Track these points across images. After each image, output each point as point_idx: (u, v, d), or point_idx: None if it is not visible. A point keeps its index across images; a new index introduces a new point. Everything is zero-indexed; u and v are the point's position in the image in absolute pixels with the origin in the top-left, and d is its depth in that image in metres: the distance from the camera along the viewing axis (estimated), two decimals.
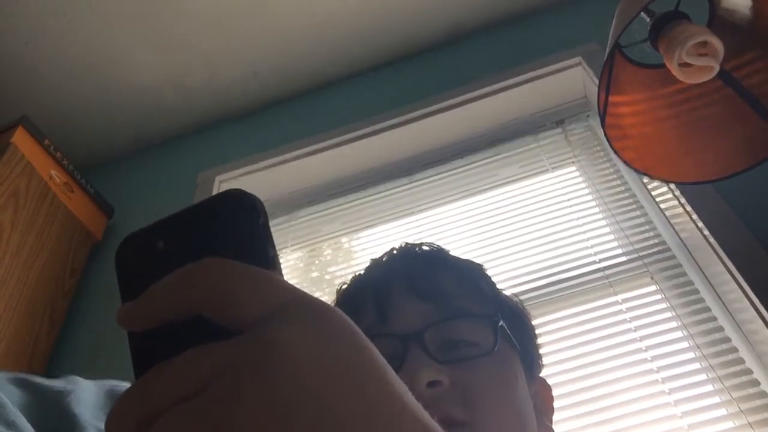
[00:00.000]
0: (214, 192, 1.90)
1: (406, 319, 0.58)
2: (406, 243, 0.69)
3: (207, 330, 0.25)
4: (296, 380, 0.23)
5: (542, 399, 0.64)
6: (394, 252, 0.68)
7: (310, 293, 0.28)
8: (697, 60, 0.87)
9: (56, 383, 0.44)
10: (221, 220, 0.29)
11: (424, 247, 0.68)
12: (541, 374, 0.67)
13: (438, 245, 0.69)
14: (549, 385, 0.67)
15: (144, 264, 0.28)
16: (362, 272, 0.68)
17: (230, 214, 0.29)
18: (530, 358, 0.63)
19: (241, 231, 0.28)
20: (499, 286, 0.67)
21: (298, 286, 0.28)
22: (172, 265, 0.27)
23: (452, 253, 0.69)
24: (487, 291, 0.64)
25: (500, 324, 0.59)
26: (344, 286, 0.68)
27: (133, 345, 0.27)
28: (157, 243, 0.29)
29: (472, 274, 0.65)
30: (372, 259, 0.69)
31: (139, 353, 0.27)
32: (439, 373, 0.53)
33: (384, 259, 0.68)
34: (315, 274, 1.80)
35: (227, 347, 0.24)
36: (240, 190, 0.29)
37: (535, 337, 0.67)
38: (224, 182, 1.96)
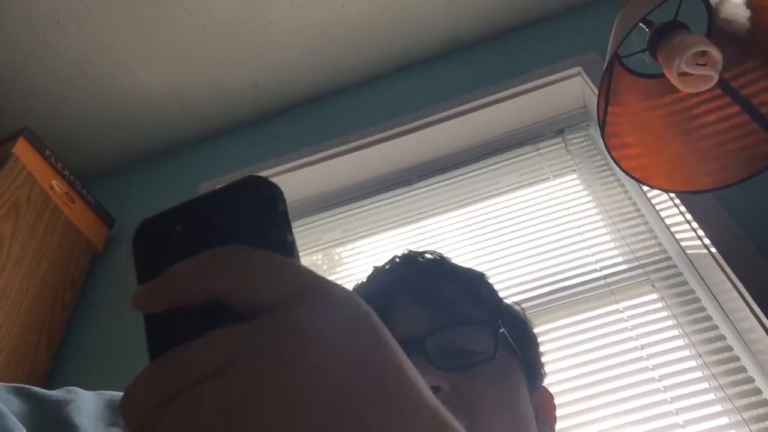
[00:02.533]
0: None
1: (408, 326, 0.58)
2: (409, 251, 0.70)
3: (223, 314, 0.25)
4: (314, 367, 0.24)
5: (544, 408, 0.64)
6: (396, 260, 0.69)
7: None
8: (696, 70, 0.87)
9: (56, 393, 0.43)
10: (240, 206, 0.29)
11: (427, 255, 0.68)
12: (543, 383, 0.67)
13: (440, 253, 0.69)
14: (551, 394, 0.67)
15: (161, 247, 0.28)
16: (364, 280, 0.69)
17: (249, 201, 0.29)
18: (532, 367, 0.63)
19: (260, 217, 0.28)
20: (500, 295, 0.68)
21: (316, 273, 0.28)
22: (190, 249, 0.27)
23: (454, 261, 0.69)
24: (489, 299, 0.65)
25: (501, 331, 0.59)
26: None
27: (150, 327, 0.27)
28: (174, 227, 0.29)
29: (473, 282, 0.66)
30: (374, 267, 0.70)
31: (155, 335, 0.27)
32: (440, 380, 0.53)
33: (386, 267, 0.69)
34: None
35: (248, 331, 0.25)
36: (259, 177, 0.29)
37: (537, 345, 0.67)
38: None
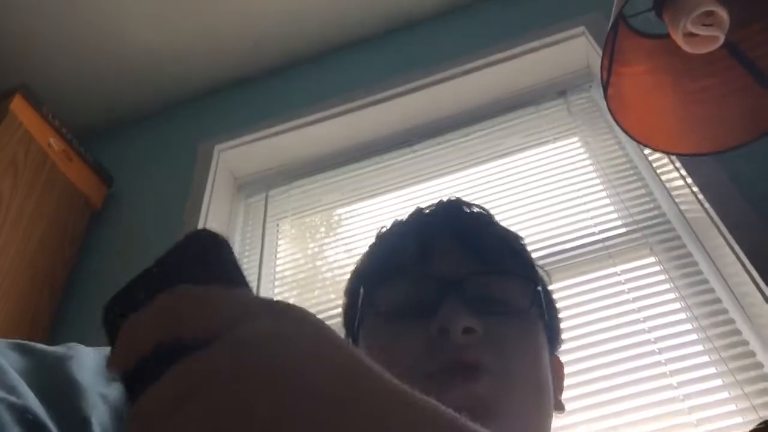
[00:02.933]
0: (213, 161, 1.90)
1: (448, 265, 0.59)
2: (456, 197, 0.70)
3: (188, 352, 0.26)
4: (271, 365, 0.24)
5: (556, 374, 0.65)
6: (443, 202, 0.69)
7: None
8: (702, 30, 0.86)
9: (56, 349, 0.44)
10: (190, 259, 0.31)
11: (473, 206, 0.68)
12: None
13: (485, 208, 0.69)
14: (562, 363, 0.68)
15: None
16: (405, 218, 0.69)
17: (198, 253, 0.31)
18: (553, 332, 0.65)
19: (209, 265, 0.31)
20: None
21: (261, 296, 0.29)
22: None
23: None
24: (527, 259, 0.66)
25: (538, 288, 0.60)
26: (384, 229, 0.69)
27: (126, 385, 0.28)
28: (138, 296, 0.30)
29: (515, 240, 0.66)
30: (417, 207, 0.70)
31: (131, 391, 0.28)
32: (475, 321, 0.53)
33: (431, 208, 0.69)
34: (312, 245, 1.80)
35: (197, 358, 0.25)
36: (203, 230, 0.32)
37: (558, 312, 0.68)
38: (223, 151, 1.95)
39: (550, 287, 0.68)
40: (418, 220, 0.67)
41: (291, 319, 0.27)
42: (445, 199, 0.70)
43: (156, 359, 0.27)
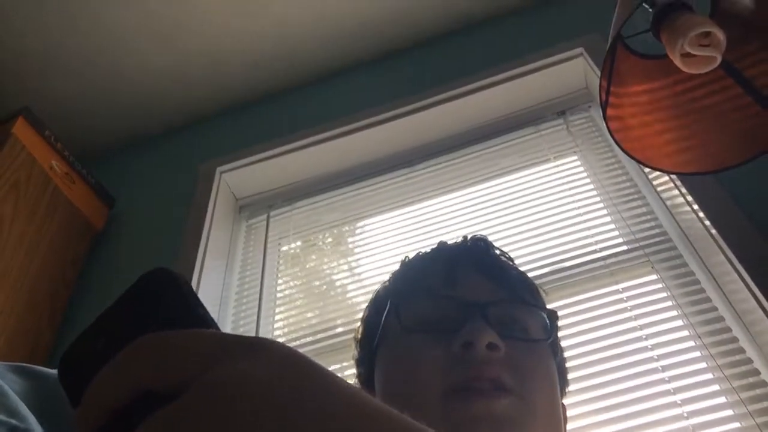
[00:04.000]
0: (214, 182, 1.90)
1: (473, 290, 0.62)
2: (481, 235, 0.74)
3: (161, 402, 0.25)
4: (248, 412, 0.23)
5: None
6: (467, 238, 0.73)
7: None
8: (699, 51, 0.86)
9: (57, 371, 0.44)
10: (147, 300, 0.30)
11: (497, 248, 0.73)
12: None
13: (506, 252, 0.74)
14: (565, 408, 0.69)
15: (88, 369, 0.28)
16: (429, 250, 0.73)
17: (153, 292, 0.30)
18: (563, 374, 0.67)
19: (166, 304, 0.30)
20: None
21: (238, 326, 0.28)
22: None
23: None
24: (543, 301, 0.70)
25: (557, 321, 0.63)
26: (409, 257, 0.73)
27: None
28: (96, 344, 0.29)
29: (533, 283, 0.71)
30: (441, 241, 0.74)
31: None
32: (499, 340, 0.56)
33: (455, 241, 0.73)
34: (312, 264, 1.80)
35: (170, 409, 0.24)
36: (156, 269, 0.31)
37: (566, 361, 0.72)
38: (225, 173, 1.96)
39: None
40: (445, 250, 0.71)
41: (267, 358, 0.26)
42: (469, 236, 0.74)
43: (128, 413, 0.26)
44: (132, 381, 0.26)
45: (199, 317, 0.30)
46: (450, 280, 0.63)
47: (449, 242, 0.73)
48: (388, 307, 0.65)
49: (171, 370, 0.25)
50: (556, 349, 0.65)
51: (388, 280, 0.72)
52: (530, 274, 1.43)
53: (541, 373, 0.59)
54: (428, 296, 0.63)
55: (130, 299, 0.30)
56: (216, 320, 0.31)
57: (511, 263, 0.71)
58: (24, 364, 0.43)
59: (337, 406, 0.24)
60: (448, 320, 0.59)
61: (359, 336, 0.70)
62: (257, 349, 0.26)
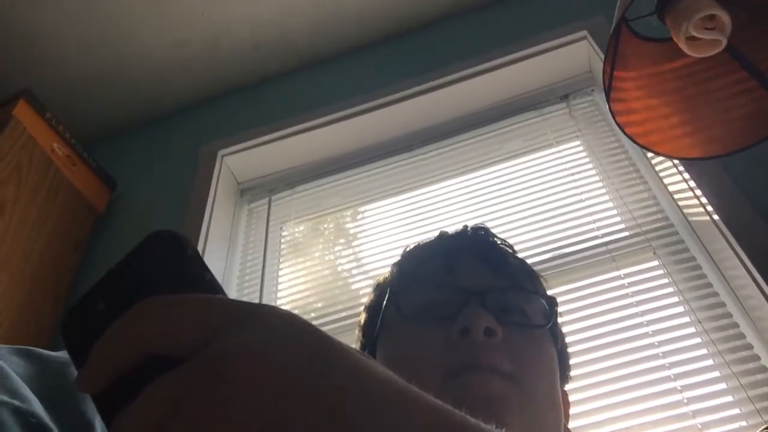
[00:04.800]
0: (216, 166, 1.90)
1: (472, 279, 0.62)
2: (481, 225, 0.74)
3: (165, 367, 0.25)
4: (255, 383, 0.23)
5: (564, 404, 0.67)
6: (468, 227, 0.73)
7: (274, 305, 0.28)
8: (704, 34, 0.86)
9: (60, 354, 0.44)
10: (152, 263, 0.29)
11: (497, 237, 0.73)
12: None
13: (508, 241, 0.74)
14: (568, 399, 0.70)
15: (91, 330, 0.28)
16: (431, 239, 0.73)
17: (158, 255, 0.29)
18: (563, 363, 0.67)
19: (172, 267, 0.29)
20: None
21: (241, 299, 0.28)
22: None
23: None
24: (543, 288, 0.70)
25: (555, 308, 0.64)
26: (410, 247, 0.73)
27: (100, 405, 0.27)
28: (98, 306, 0.29)
29: (533, 270, 0.71)
30: (442, 231, 0.74)
31: (107, 412, 0.27)
32: (496, 325, 0.56)
33: (456, 231, 0.73)
34: (316, 251, 1.80)
35: (177, 376, 0.24)
36: (161, 231, 0.30)
37: (568, 348, 0.72)
38: (226, 156, 1.95)
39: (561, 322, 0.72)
40: (444, 239, 0.71)
41: (271, 326, 0.26)
42: (470, 225, 0.74)
43: (132, 376, 0.26)
44: (137, 344, 0.26)
45: (205, 282, 0.29)
46: (449, 268, 0.64)
47: (449, 231, 0.73)
48: (387, 296, 0.66)
49: (177, 336, 0.25)
50: (556, 336, 0.65)
51: (389, 272, 0.73)
52: (532, 260, 1.45)
53: (540, 359, 0.59)
54: (427, 284, 0.63)
55: (135, 261, 0.30)
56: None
57: (510, 251, 0.71)
58: (27, 347, 0.43)
59: (342, 376, 0.24)
60: (447, 307, 0.59)
61: (362, 323, 0.71)
62: (262, 318, 0.26)
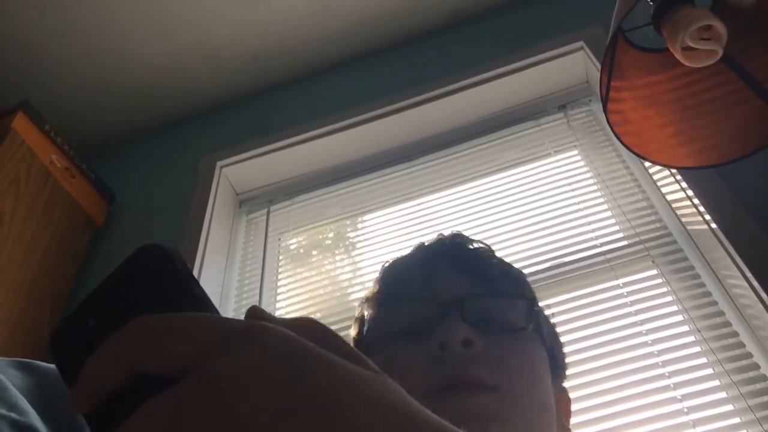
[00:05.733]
0: (214, 177, 1.90)
1: (449, 288, 0.61)
2: (457, 231, 0.73)
3: (157, 386, 0.25)
4: (248, 407, 0.23)
5: (562, 404, 0.66)
6: (444, 235, 0.72)
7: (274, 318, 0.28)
8: (700, 44, 0.86)
9: None
10: (141, 278, 0.29)
11: (474, 241, 0.72)
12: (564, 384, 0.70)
13: (486, 243, 0.73)
14: (569, 399, 0.69)
15: (81, 348, 0.27)
16: (409, 252, 0.72)
17: (147, 269, 0.29)
18: (556, 361, 0.66)
19: (161, 282, 0.29)
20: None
21: (240, 310, 0.27)
22: (108, 338, 0.27)
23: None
24: (526, 289, 0.68)
25: (535, 309, 0.63)
26: (388, 263, 0.72)
27: (91, 423, 0.26)
28: (88, 322, 0.28)
29: (515, 272, 0.69)
30: (420, 242, 0.73)
31: (98, 429, 0.26)
32: (473, 335, 0.55)
33: (433, 240, 0.72)
34: (315, 261, 1.80)
35: (172, 395, 0.24)
36: (150, 245, 0.29)
37: (562, 347, 0.71)
38: (225, 167, 1.95)
39: (549, 319, 0.71)
40: (421, 252, 0.70)
41: (267, 347, 0.25)
42: (446, 233, 0.73)
43: (123, 395, 0.25)
44: (129, 364, 0.25)
45: (196, 298, 0.29)
46: (426, 281, 0.63)
47: (426, 243, 0.72)
48: (367, 321, 0.65)
49: (169, 356, 0.25)
50: (543, 336, 0.64)
51: (368, 292, 0.72)
52: (530, 269, 1.45)
53: (524, 364, 0.58)
54: (407, 300, 0.63)
55: (124, 275, 0.29)
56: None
57: (489, 254, 0.70)
58: (25, 360, 0.43)
59: (341, 401, 0.24)
60: (427, 321, 0.58)
61: (353, 336, 0.71)
62: (257, 338, 0.26)
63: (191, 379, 0.24)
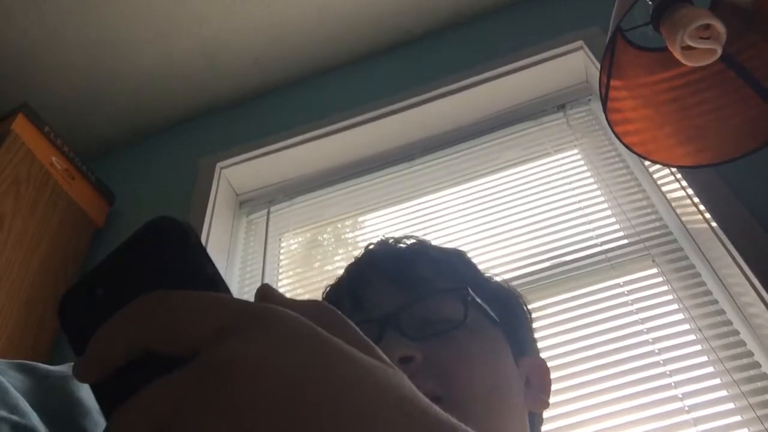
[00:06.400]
0: (214, 178, 1.90)
1: (381, 305, 0.59)
2: (383, 237, 0.71)
3: (164, 363, 0.24)
4: (256, 394, 0.23)
5: (537, 375, 0.65)
6: (371, 246, 0.70)
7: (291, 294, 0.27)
8: (699, 43, 0.86)
9: (59, 368, 0.44)
10: (152, 251, 0.28)
11: (405, 240, 0.70)
12: (543, 355, 0.69)
13: (416, 236, 0.71)
14: (545, 362, 0.67)
15: (89, 316, 0.27)
16: (342, 273, 0.70)
17: (159, 244, 0.28)
18: (517, 335, 0.64)
19: (174, 258, 0.28)
20: (493, 270, 0.70)
21: (242, 300, 0.26)
22: (115, 309, 0.26)
23: (432, 242, 0.71)
24: (464, 272, 0.66)
25: (469, 297, 0.60)
26: (326, 290, 0.70)
27: (98, 394, 0.26)
28: (96, 291, 0.28)
29: (449, 259, 0.67)
30: (354, 257, 0.71)
31: (106, 402, 0.26)
32: (411, 350, 0.54)
33: (361, 254, 0.70)
34: (315, 261, 1.80)
35: (181, 377, 0.23)
36: (164, 218, 0.28)
37: (524, 315, 0.69)
38: (225, 168, 1.96)
39: (503, 291, 0.69)
40: (347, 273, 0.69)
41: (278, 332, 0.25)
42: (374, 241, 0.71)
43: (129, 370, 0.25)
44: (138, 340, 0.25)
45: (209, 277, 0.28)
46: (356, 305, 0.61)
47: (357, 257, 0.70)
48: None
49: (179, 336, 0.25)
50: (491, 317, 0.61)
51: None
52: (531, 269, 1.45)
53: (473, 360, 0.57)
54: None
55: (134, 248, 0.28)
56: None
57: (418, 252, 0.67)
58: (26, 362, 0.43)
59: (351, 394, 0.24)
60: None
61: None
62: (268, 322, 0.25)
63: (200, 362, 0.24)
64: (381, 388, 0.24)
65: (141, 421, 0.23)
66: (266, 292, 0.29)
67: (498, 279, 0.70)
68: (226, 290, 0.28)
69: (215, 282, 0.28)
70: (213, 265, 0.28)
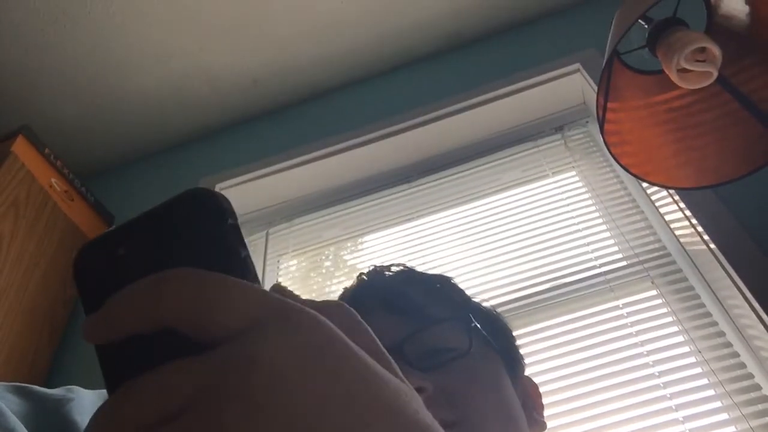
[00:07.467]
0: None
1: (384, 335, 0.59)
2: (374, 266, 0.71)
3: (178, 341, 0.23)
4: (279, 399, 0.22)
5: (530, 396, 0.65)
6: (363, 276, 0.70)
7: (294, 299, 0.27)
8: (695, 66, 0.87)
9: (56, 392, 0.44)
10: (185, 222, 0.26)
11: (392, 267, 0.70)
12: (541, 379, 0.69)
13: (404, 264, 0.71)
14: (534, 382, 0.68)
15: (105, 273, 0.26)
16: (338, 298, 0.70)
17: (195, 216, 0.26)
18: (511, 359, 0.65)
19: (207, 233, 0.26)
20: (470, 295, 0.70)
21: (276, 294, 0.26)
22: (134, 272, 0.25)
23: (419, 269, 0.71)
24: (457, 298, 0.67)
25: (473, 325, 0.61)
26: None
27: (102, 358, 0.25)
28: (117, 250, 0.26)
29: (439, 284, 0.67)
30: (344, 288, 0.71)
31: (109, 367, 0.25)
32: (422, 381, 0.54)
33: (355, 284, 0.70)
34: (314, 284, 1.80)
35: (207, 365, 0.23)
36: (204, 189, 0.27)
37: (512, 338, 0.69)
38: (224, 189, 1.96)
39: (492, 315, 0.69)
40: (347, 300, 0.67)
41: (304, 336, 0.24)
42: (365, 272, 0.71)
43: (142, 340, 0.24)
44: (164, 316, 0.24)
45: (242, 263, 0.26)
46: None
47: (351, 286, 0.69)
48: None
49: (210, 324, 0.24)
50: (490, 342, 0.62)
51: None
52: (530, 291, 1.45)
53: (480, 385, 0.57)
54: None
55: (167, 215, 0.27)
56: None
57: (411, 281, 0.67)
58: (23, 385, 0.43)
59: (373, 406, 0.24)
60: None
61: None
62: (296, 324, 0.25)
63: (225, 353, 0.23)
64: (397, 408, 0.24)
65: (154, 400, 0.22)
66: (281, 293, 0.28)
67: (480, 301, 0.71)
68: (255, 278, 0.27)
69: (248, 268, 0.26)
70: (246, 248, 0.27)
